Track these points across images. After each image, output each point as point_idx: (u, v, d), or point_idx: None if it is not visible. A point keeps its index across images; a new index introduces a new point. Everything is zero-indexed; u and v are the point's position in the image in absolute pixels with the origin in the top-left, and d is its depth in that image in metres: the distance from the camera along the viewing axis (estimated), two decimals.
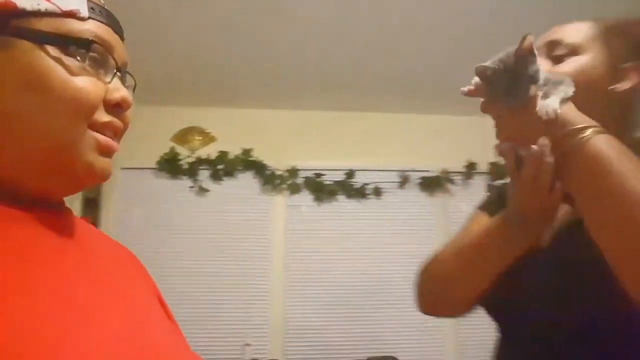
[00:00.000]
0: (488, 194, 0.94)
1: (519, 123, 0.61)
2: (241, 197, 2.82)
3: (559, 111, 0.56)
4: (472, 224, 0.83)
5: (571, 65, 0.67)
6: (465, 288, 0.75)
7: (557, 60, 0.69)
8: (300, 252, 2.74)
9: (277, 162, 2.84)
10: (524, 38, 0.57)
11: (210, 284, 2.64)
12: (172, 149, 2.83)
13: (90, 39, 0.45)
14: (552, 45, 0.70)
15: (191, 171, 2.80)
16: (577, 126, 0.56)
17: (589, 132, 0.55)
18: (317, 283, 2.71)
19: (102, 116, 0.47)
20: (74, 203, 2.64)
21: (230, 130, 2.92)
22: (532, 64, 0.57)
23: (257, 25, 2.17)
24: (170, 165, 2.79)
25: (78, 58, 0.44)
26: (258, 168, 2.83)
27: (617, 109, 0.67)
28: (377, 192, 2.87)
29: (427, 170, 2.90)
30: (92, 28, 0.46)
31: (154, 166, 2.79)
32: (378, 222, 2.78)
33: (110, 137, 0.48)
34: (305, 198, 2.84)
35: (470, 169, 2.93)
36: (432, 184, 2.88)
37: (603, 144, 0.55)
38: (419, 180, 2.89)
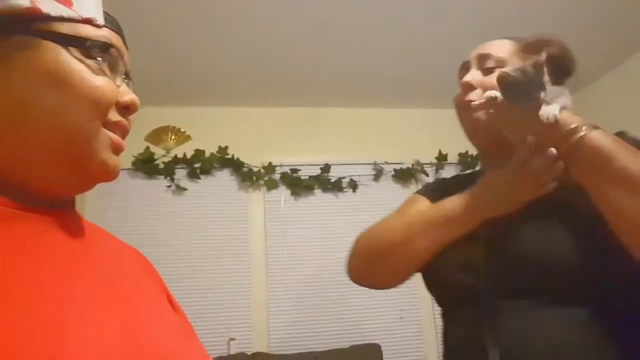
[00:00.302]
0: (429, 183, 1.03)
1: (528, 122, 0.70)
2: (219, 195, 2.85)
3: (558, 116, 0.67)
4: (417, 204, 0.90)
5: None
6: (409, 258, 0.80)
7: (488, 71, 0.81)
8: (280, 246, 2.81)
9: (253, 159, 2.89)
10: (541, 53, 0.69)
11: (192, 282, 2.66)
12: (147, 149, 2.82)
13: (104, 42, 0.49)
14: (483, 58, 0.83)
15: (167, 170, 2.81)
16: (573, 125, 0.67)
17: (584, 128, 0.66)
18: (298, 275, 2.78)
19: (114, 116, 0.50)
20: None
21: (205, 128, 2.94)
22: (543, 75, 0.68)
23: (227, 24, 2.21)
24: (145, 165, 2.78)
25: (97, 59, 0.48)
26: (235, 165, 2.87)
27: None
28: (353, 185, 2.96)
29: (400, 163, 3.01)
30: (106, 34, 0.50)
31: (129, 167, 2.77)
32: (355, 214, 2.87)
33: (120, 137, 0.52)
34: (282, 193, 2.90)
35: (441, 160, 3.05)
36: (405, 175, 2.99)
37: (600, 136, 0.65)
38: (392, 173, 3.00)
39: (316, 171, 2.95)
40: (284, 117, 3.01)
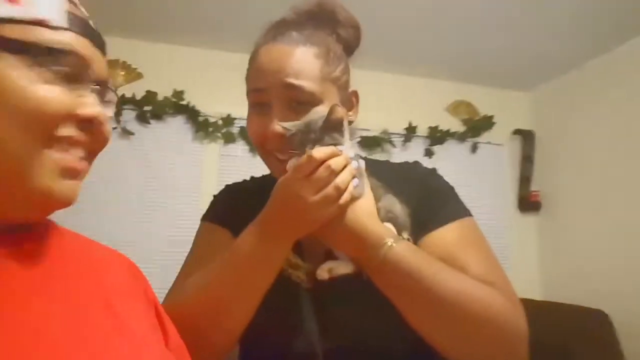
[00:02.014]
0: (218, 200, 0.94)
1: (335, 230, 0.69)
2: (170, 144, 2.71)
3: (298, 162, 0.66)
4: (214, 243, 0.80)
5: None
6: (221, 332, 0.69)
7: (299, 110, 0.73)
8: None
9: (211, 109, 2.73)
10: (332, 110, 0.68)
11: (135, 237, 2.54)
12: None
13: (61, 48, 0.43)
14: (290, 90, 0.73)
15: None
16: (374, 241, 0.66)
17: (389, 242, 0.65)
18: None
19: (67, 131, 0.44)
20: None
21: (159, 68, 2.74)
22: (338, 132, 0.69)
23: None
24: None
25: (47, 68, 0.42)
26: (190, 113, 2.72)
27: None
28: None
29: (367, 130, 2.95)
30: (67, 39, 0.45)
31: None
32: None
33: (80, 157, 0.45)
34: (240, 148, 2.78)
35: (410, 132, 3.02)
36: (371, 143, 2.96)
37: (403, 255, 0.65)
38: (358, 139, 2.93)
39: None
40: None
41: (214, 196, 0.97)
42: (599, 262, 2.63)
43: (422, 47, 2.72)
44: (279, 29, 0.79)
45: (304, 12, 0.82)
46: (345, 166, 0.66)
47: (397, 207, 0.73)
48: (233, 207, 0.85)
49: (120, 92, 2.64)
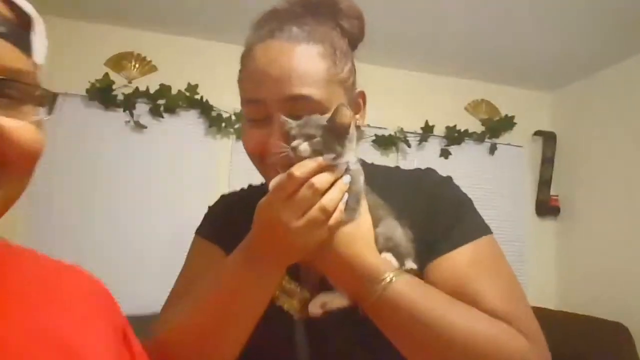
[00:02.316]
0: (212, 212, 0.85)
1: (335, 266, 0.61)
2: (183, 138, 2.70)
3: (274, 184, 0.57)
4: (205, 263, 0.73)
5: None
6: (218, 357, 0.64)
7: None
8: None
9: (225, 103, 2.71)
10: (338, 112, 0.59)
11: (145, 232, 2.54)
12: (106, 76, 2.60)
13: None
14: (295, 102, 0.63)
15: (127, 103, 2.61)
16: (370, 274, 0.58)
17: (389, 277, 0.57)
18: None
19: None
20: None
21: (174, 61, 2.73)
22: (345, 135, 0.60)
23: None
24: (102, 94, 2.57)
25: None
26: (203, 108, 2.70)
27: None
28: None
29: (383, 128, 2.91)
30: None
31: (83, 93, 2.55)
32: None
33: None
34: None
35: (427, 132, 2.97)
36: (387, 142, 2.91)
37: (404, 292, 0.57)
38: (372, 137, 2.89)
39: None
40: None
41: (209, 207, 0.88)
42: (619, 271, 2.54)
43: (442, 43, 2.67)
44: (275, 23, 0.69)
45: (299, 0, 0.71)
46: (334, 182, 0.57)
47: (398, 234, 0.63)
48: (226, 222, 0.76)
49: (133, 84, 2.64)
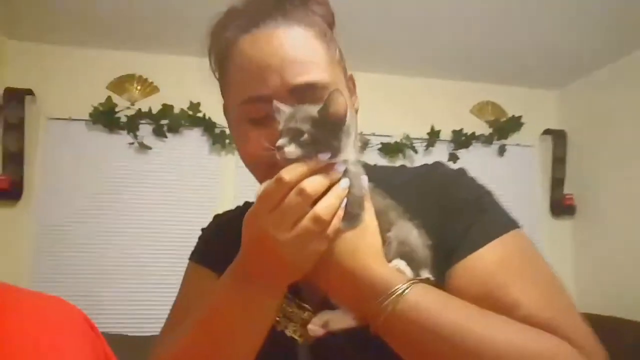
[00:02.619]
0: (205, 235, 0.79)
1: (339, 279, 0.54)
2: (187, 156, 2.71)
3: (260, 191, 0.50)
4: (200, 291, 0.66)
5: None
6: None
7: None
8: None
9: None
10: (332, 99, 0.50)
11: (153, 248, 2.54)
12: (109, 99, 2.62)
13: None
14: (303, 91, 0.56)
15: (130, 125, 2.62)
16: (377, 288, 0.49)
17: (397, 292, 0.49)
18: None
19: None
20: None
21: (175, 80, 2.74)
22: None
23: None
24: (105, 117, 2.58)
25: None
26: (206, 125, 2.70)
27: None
28: None
29: (389, 136, 2.88)
30: None
31: (87, 117, 2.57)
32: None
33: None
34: None
35: (433, 137, 2.94)
36: (393, 150, 2.88)
37: (419, 304, 0.48)
38: (379, 146, 2.86)
39: None
40: None
41: (202, 230, 0.81)
42: (639, 271, 2.47)
43: (442, 47, 2.65)
44: (250, 15, 0.60)
45: None
46: (331, 186, 0.49)
47: (414, 237, 0.54)
48: (218, 243, 0.70)
49: (136, 106, 2.65)
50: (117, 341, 0.92)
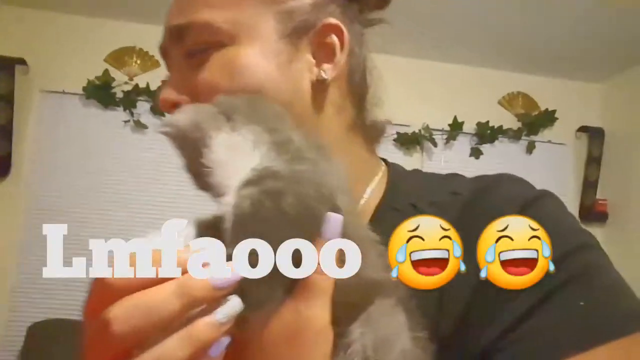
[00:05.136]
0: None
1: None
2: None
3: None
4: None
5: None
6: None
7: (196, 62, 0.46)
8: None
9: None
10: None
11: (148, 231, 2.45)
12: (106, 72, 2.56)
13: None
14: (187, 35, 0.46)
15: (127, 102, 2.56)
16: None
17: None
18: None
19: None
20: None
21: None
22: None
23: None
24: (100, 92, 2.52)
25: None
26: None
27: (334, 98, 0.49)
28: None
29: (406, 125, 2.77)
30: None
31: (80, 91, 2.50)
32: None
33: None
34: None
35: (455, 129, 2.82)
36: (410, 141, 2.77)
37: None
38: (394, 136, 2.73)
39: None
40: None
41: None
42: None
43: (471, 30, 2.52)
44: None
45: None
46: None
47: (404, 337, 0.34)
48: None
49: (134, 81, 2.58)
50: None
